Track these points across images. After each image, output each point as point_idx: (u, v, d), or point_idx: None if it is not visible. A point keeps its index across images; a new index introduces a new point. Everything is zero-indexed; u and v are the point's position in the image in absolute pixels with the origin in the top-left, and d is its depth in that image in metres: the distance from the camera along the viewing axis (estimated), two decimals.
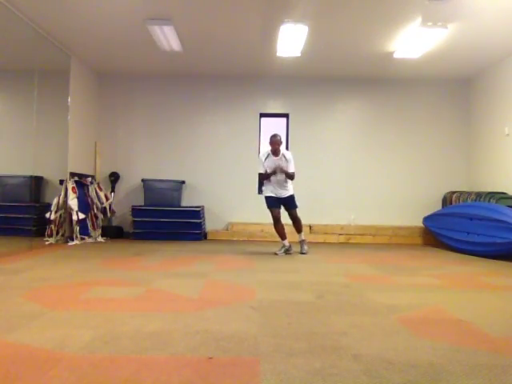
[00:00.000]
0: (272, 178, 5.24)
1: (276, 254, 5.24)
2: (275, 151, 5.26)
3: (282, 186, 5.30)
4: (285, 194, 5.29)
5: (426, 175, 7.28)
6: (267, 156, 5.29)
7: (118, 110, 7.38)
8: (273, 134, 5.33)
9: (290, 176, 5.27)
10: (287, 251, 5.29)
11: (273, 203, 5.29)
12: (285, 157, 5.28)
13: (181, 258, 4.90)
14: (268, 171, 5.26)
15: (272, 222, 5.32)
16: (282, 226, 5.30)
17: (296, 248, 5.39)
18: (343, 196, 7.26)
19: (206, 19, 5.10)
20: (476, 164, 7.06)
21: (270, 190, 5.29)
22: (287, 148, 7.39)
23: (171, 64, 6.76)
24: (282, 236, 5.31)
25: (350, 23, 5.17)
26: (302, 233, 5.46)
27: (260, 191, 6.02)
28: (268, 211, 5.29)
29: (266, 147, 5.59)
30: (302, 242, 5.42)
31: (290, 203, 5.32)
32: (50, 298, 2.85)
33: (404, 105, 7.37)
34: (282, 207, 5.34)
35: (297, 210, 5.36)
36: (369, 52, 6.09)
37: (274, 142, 5.25)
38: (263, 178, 5.35)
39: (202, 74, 7.27)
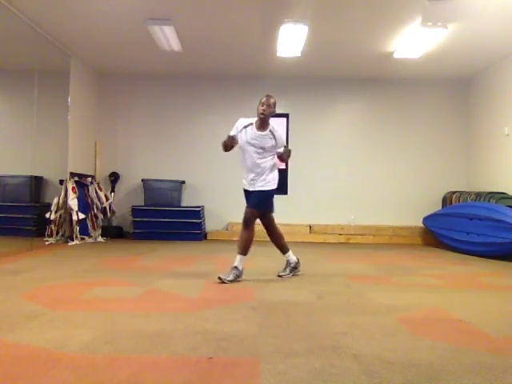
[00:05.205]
0: (247, 157, 3.57)
1: (226, 280, 3.37)
2: (263, 121, 3.53)
3: (260, 171, 3.54)
4: (258, 186, 3.57)
5: (426, 175, 7.27)
6: (247, 126, 3.59)
7: (118, 109, 7.38)
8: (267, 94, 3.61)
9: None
10: (238, 276, 3.45)
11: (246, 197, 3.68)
12: (274, 135, 3.52)
13: (181, 257, 4.90)
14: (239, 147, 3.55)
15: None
16: (253, 234, 3.65)
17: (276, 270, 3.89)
18: (343, 196, 7.25)
19: (206, 19, 5.10)
20: (476, 164, 7.06)
21: (243, 177, 3.68)
22: None
23: (171, 64, 6.75)
24: (247, 249, 3.57)
25: (350, 23, 5.16)
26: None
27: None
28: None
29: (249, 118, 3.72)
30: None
31: (255, 199, 3.58)
32: (50, 298, 2.85)
33: (404, 105, 7.36)
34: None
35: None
36: (369, 52, 6.09)
37: (266, 102, 3.50)
38: (225, 144, 3.62)
39: (202, 74, 7.26)
